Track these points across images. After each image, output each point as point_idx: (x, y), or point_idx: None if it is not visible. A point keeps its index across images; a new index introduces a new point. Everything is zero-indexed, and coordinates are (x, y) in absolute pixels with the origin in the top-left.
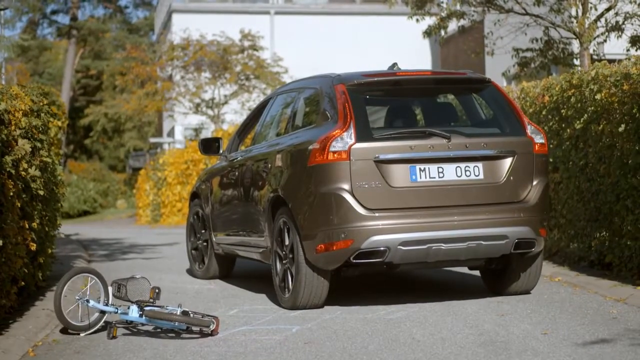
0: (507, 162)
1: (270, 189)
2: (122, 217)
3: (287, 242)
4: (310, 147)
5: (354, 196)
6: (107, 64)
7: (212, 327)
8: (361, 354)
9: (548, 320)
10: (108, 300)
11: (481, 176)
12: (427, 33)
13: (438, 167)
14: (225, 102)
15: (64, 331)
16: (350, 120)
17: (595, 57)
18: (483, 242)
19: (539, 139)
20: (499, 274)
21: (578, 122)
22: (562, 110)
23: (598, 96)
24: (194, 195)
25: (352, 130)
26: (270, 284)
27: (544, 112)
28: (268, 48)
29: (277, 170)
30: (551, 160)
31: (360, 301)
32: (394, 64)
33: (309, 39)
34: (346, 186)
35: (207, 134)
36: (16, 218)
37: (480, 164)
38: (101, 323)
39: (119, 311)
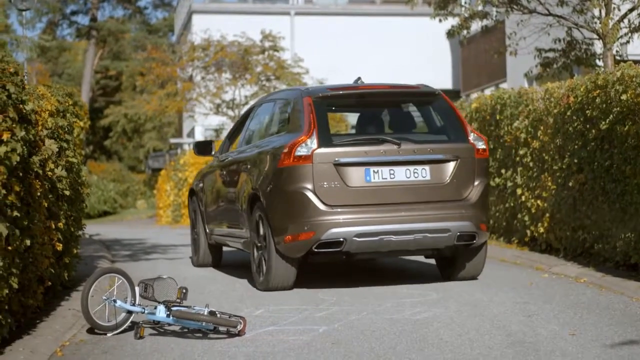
0: (451, 166)
1: (249, 187)
2: (142, 218)
3: (261, 233)
4: (280, 151)
5: (316, 194)
6: (127, 64)
7: (240, 327)
8: (389, 355)
9: (575, 321)
10: (135, 300)
11: (428, 177)
12: (450, 33)
13: (389, 170)
14: (246, 103)
15: (90, 331)
16: (313, 129)
17: (618, 57)
18: (428, 235)
19: (480, 145)
20: (449, 263)
21: (603, 123)
22: (587, 111)
23: (624, 97)
24: (192, 193)
25: (315, 137)
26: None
27: (568, 113)
28: (288, 49)
29: (255, 170)
30: (575, 161)
31: (385, 302)
32: (358, 78)
33: (328, 40)
34: (309, 185)
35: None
36: (43, 218)
37: (427, 167)
38: (128, 323)
39: (146, 311)
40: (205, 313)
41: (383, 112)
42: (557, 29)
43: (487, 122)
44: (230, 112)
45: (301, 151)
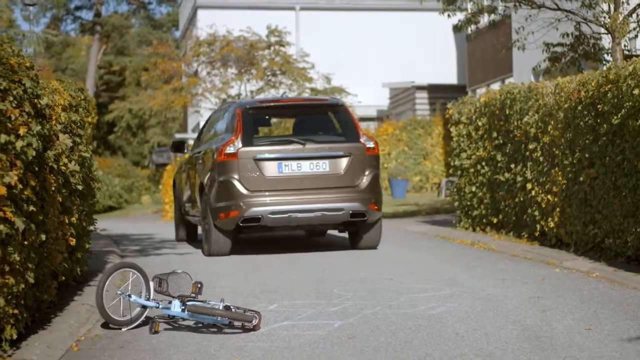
0: (346, 160)
1: (199, 178)
2: (148, 213)
3: (207, 213)
4: (216, 149)
5: (240, 182)
6: (130, 60)
7: (255, 322)
8: (406, 349)
9: (590, 316)
10: (150, 295)
11: (327, 169)
12: (458, 28)
13: (297, 163)
14: (252, 98)
15: (105, 326)
16: (239, 133)
17: (627, 52)
18: (327, 213)
19: (369, 145)
20: (354, 235)
21: (615, 117)
22: (599, 106)
23: (636, 91)
24: (173, 183)
25: (240, 139)
26: (304, 278)
27: (579, 108)
28: (294, 44)
29: (202, 165)
30: (586, 155)
31: (398, 297)
32: (284, 93)
33: (333, 35)
34: (236, 175)
35: None
36: (56, 213)
37: (326, 161)
38: (142, 318)
39: (161, 306)
40: (221, 308)
41: (298, 119)
42: (565, 23)
43: (496, 117)
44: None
45: (230, 150)
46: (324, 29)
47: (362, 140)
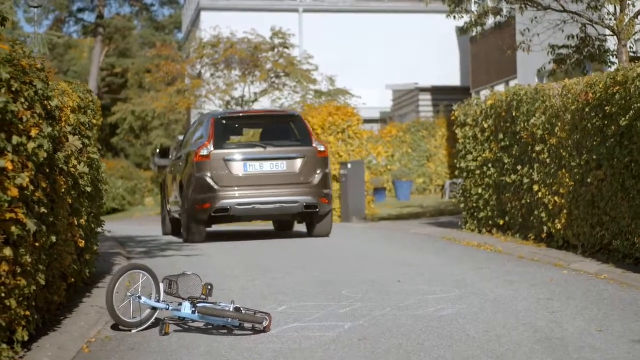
0: (300, 161)
1: (179, 177)
2: (151, 215)
3: (186, 206)
4: (193, 152)
5: (212, 179)
6: (133, 62)
7: (265, 323)
8: (418, 351)
9: (601, 318)
10: (160, 297)
11: (285, 169)
12: (464, 30)
13: (259, 164)
14: (255, 100)
15: (115, 328)
16: (212, 138)
17: (632, 54)
18: (284, 205)
19: (320, 148)
20: (310, 225)
21: (623, 119)
22: (607, 108)
23: None
24: (162, 184)
25: (212, 144)
26: (312, 280)
27: (587, 109)
28: (297, 46)
29: (182, 166)
30: (594, 157)
31: (407, 299)
32: (250, 107)
33: (336, 37)
34: (209, 174)
35: None
36: (66, 214)
37: (284, 162)
38: (152, 320)
39: (171, 308)
40: (231, 309)
41: (259, 126)
42: (571, 25)
43: (502, 119)
44: (240, 109)
45: (204, 152)
46: (327, 31)
47: (314, 144)
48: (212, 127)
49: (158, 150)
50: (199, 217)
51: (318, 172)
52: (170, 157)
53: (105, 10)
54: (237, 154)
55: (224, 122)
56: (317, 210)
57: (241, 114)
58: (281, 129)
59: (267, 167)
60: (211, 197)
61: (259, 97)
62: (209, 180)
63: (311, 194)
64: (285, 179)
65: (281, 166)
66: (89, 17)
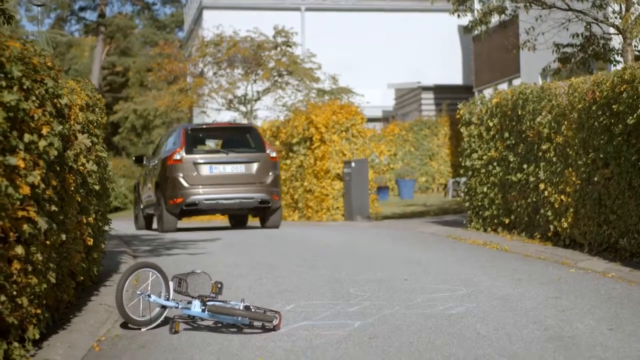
0: (256, 165)
1: (155, 177)
2: None
3: (160, 200)
4: (167, 156)
5: (184, 178)
6: (134, 60)
7: (275, 322)
8: (429, 349)
9: (610, 316)
10: (169, 295)
11: (243, 171)
12: (468, 29)
13: (222, 166)
14: (258, 99)
15: (124, 326)
16: (183, 145)
17: (637, 53)
18: (243, 200)
19: (272, 154)
20: (262, 219)
21: (630, 117)
22: (614, 106)
23: None
24: (136, 185)
25: (184, 150)
26: (319, 279)
27: (593, 108)
28: (300, 44)
29: (158, 168)
30: (601, 156)
31: (415, 297)
32: (214, 120)
33: (338, 35)
34: (181, 174)
35: None
36: (75, 213)
37: (243, 165)
38: (162, 318)
39: (180, 306)
40: (241, 308)
41: (222, 136)
42: (575, 24)
43: (508, 117)
44: (242, 108)
45: (177, 157)
46: (330, 29)
47: (267, 151)
48: (183, 136)
49: (134, 157)
50: (173, 210)
51: (270, 173)
52: (144, 162)
53: (106, 9)
54: (204, 158)
55: (193, 132)
56: (270, 205)
57: (206, 126)
58: (240, 138)
59: (229, 169)
60: (183, 193)
61: (261, 95)
62: (181, 180)
63: (264, 191)
64: (243, 179)
65: (240, 168)
66: (91, 16)
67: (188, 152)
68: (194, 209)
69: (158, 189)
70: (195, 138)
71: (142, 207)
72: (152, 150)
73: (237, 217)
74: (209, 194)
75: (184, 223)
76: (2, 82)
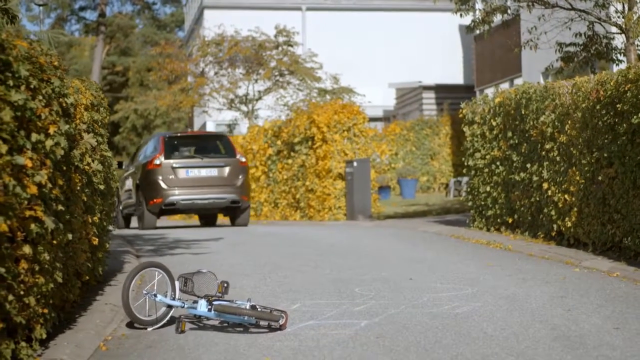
0: (227, 169)
1: (136, 180)
2: None
3: (141, 201)
4: (148, 161)
5: (163, 181)
6: (134, 60)
7: (282, 321)
8: (437, 348)
9: (617, 315)
10: (175, 294)
11: (216, 174)
12: (471, 28)
13: (198, 170)
14: (259, 98)
15: (130, 325)
16: (162, 151)
17: (639, 52)
18: (216, 200)
19: (242, 159)
20: (232, 217)
21: (635, 117)
22: (618, 105)
23: None
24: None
25: (163, 155)
26: (323, 278)
27: (597, 107)
28: (301, 44)
29: (139, 172)
30: (605, 155)
31: (421, 296)
32: (187, 128)
33: (339, 35)
34: (160, 177)
35: (240, 129)
36: (80, 212)
37: (216, 169)
38: (167, 318)
39: (186, 305)
40: (248, 307)
41: (197, 143)
42: (578, 23)
43: (511, 117)
44: (244, 107)
45: (156, 161)
46: (330, 29)
47: (237, 156)
48: (162, 143)
49: (116, 162)
50: (153, 210)
51: (240, 177)
52: (124, 167)
53: (106, 9)
54: (181, 163)
55: (170, 140)
56: (240, 205)
57: (182, 134)
58: (212, 145)
59: (204, 172)
60: (162, 194)
61: (262, 95)
62: (161, 182)
63: (235, 192)
64: (216, 182)
65: (213, 172)
66: (91, 16)
67: (167, 157)
68: (172, 209)
69: (139, 190)
70: (172, 145)
71: (120, 208)
72: (131, 156)
73: (208, 217)
74: (186, 195)
75: (161, 222)
76: (10, 82)
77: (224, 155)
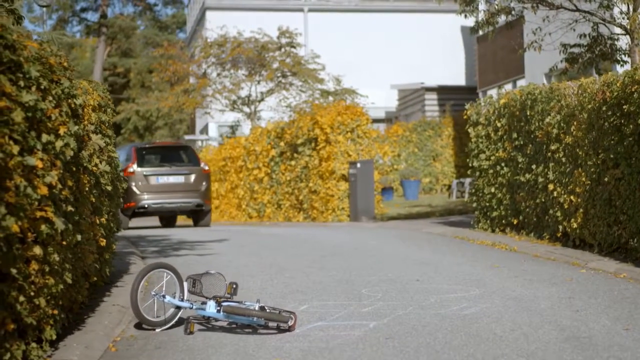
0: (192, 176)
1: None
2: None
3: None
4: (123, 169)
5: (136, 187)
6: (135, 61)
7: (291, 322)
8: (447, 350)
9: (625, 316)
10: (183, 295)
11: (182, 180)
12: (475, 29)
13: (167, 177)
14: (262, 99)
15: (138, 326)
16: (135, 160)
17: None
18: (182, 204)
19: (205, 167)
20: (196, 219)
21: None
22: (624, 106)
23: None
24: None
25: (136, 164)
26: (330, 279)
27: (604, 108)
28: (303, 45)
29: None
30: (611, 156)
31: (428, 297)
32: (155, 139)
33: (341, 37)
34: (133, 183)
35: (242, 130)
36: (89, 213)
37: (182, 176)
38: (176, 319)
39: (194, 307)
40: (256, 308)
41: (166, 153)
42: (582, 24)
43: (516, 118)
44: (246, 109)
45: (130, 169)
46: (333, 30)
47: (201, 165)
48: (134, 153)
49: None
50: (126, 212)
51: (204, 183)
52: None
53: (108, 10)
54: (152, 170)
55: (141, 149)
56: (203, 208)
57: (151, 145)
58: (178, 155)
59: (172, 179)
60: (135, 199)
61: (265, 96)
62: (134, 188)
63: (199, 197)
64: (183, 187)
65: (180, 179)
66: (92, 17)
67: (139, 165)
68: (143, 211)
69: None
70: (143, 154)
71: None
72: None
73: (168, 219)
74: (156, 199)
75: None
76: (21, 82)
77: (189, 164)
